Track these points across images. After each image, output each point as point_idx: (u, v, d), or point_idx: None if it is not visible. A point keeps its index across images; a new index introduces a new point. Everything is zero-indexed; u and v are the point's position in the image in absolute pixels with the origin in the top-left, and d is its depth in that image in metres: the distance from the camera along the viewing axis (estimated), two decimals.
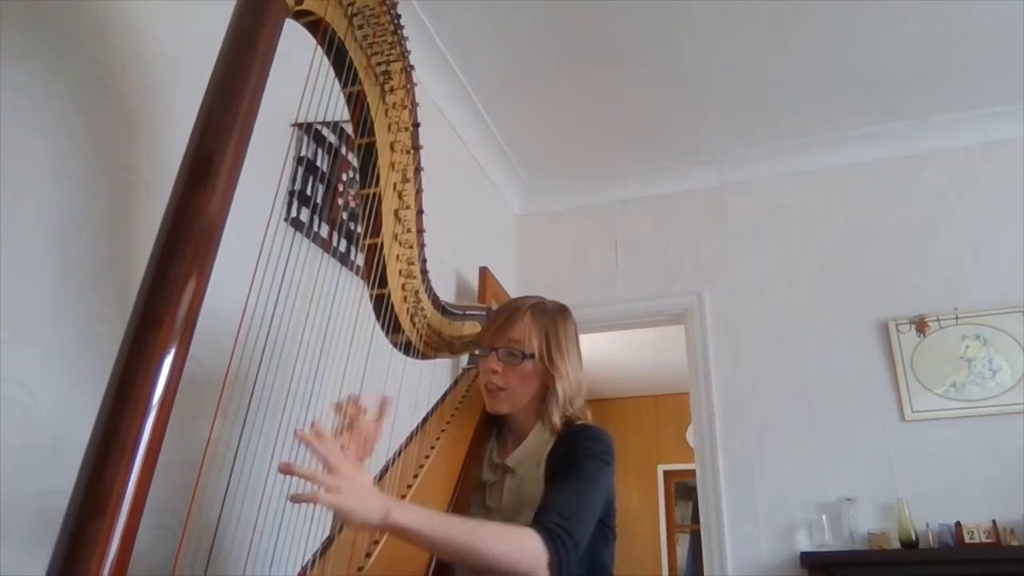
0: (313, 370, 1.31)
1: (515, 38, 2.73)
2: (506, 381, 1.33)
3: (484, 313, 1.62)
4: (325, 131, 1.95)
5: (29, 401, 1.12)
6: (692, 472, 3.55)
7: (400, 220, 1.19)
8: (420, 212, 1.24)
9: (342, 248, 2.00)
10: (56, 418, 1.16)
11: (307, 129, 1.89)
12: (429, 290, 1.33)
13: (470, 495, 1.33)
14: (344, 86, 1.07)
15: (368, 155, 1.14)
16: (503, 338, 1.35)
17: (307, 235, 1.84)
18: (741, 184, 3.46)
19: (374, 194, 1.14)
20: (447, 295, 1.85)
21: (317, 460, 0.92)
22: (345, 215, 2.02)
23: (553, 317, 1.39)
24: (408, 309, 1.28)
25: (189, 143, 0.74)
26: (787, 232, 3.31)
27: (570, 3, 2.55)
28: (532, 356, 1.33)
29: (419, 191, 1.22)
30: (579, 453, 1.24)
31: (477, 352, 1.43)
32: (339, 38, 1.01)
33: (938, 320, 2.97)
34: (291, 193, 1.84)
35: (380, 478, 1.24)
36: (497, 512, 1.31)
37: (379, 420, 1.24)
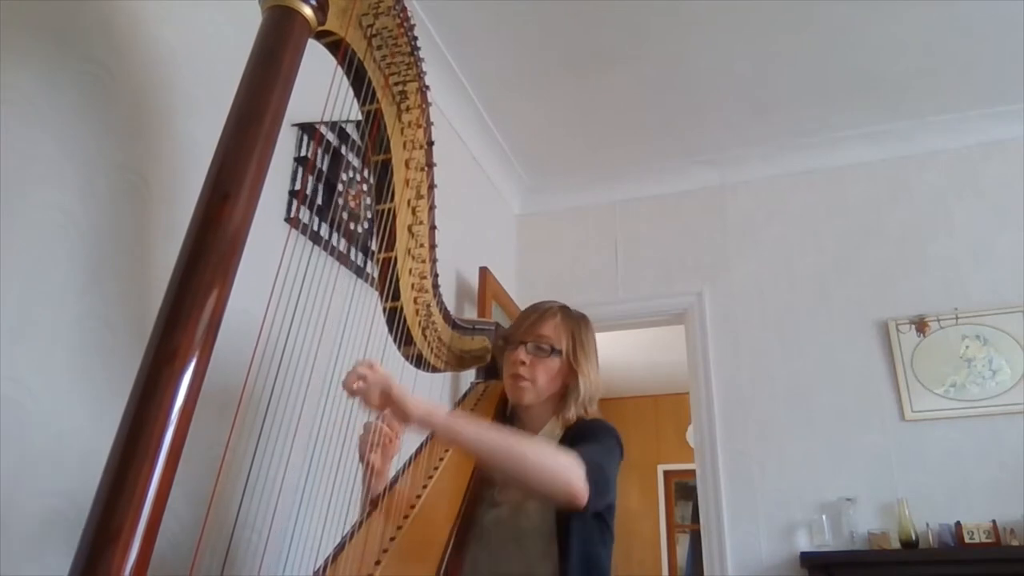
0: (327, 379, 1.33)
1: (515, 38, 2.74)
2: (532, 373, 1.41)
3: (492, 329, 1.64)
4: (326, 131, 1.95)
5: (29, 401, 1.12)
6: (692, 472, 3.55)
7: (413, 235, 1.23)
8: (433, 228, 1.28)
9: (342, 248, 2.00)
10: (56, 418, 1.16)
11: (308, 129, 1.89)
12: (440, 304, 1.36)
13: (480, 495, 1.35)
14: (362, 104, 1.11)
15: (384, 172, 1.18)
16: (533, 333, 1.43)
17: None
18: (741, 184, 3.46)
19: (389, 210, 1.18)
20: (447, 295, 1.86)
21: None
22: (345, 215, 2.02)
23: (579, 322, 1.49)
24: (420, 322, 1.32)
25: (213, 159, 0.77)
26: (787, 232, 3.31)
27: (570, 3, 2.55)
28: (560, 353, 1.42)
29: (432, 207, 1.26)
30: (594, 431, 1.32)
31: (505, 344, 1.50)
32: (358, 58, 1.05)
33: (938, 320, 2.97)
34: (291, 193, 1.84)
35: (391, 486, 1.26)
36: (505, 504, 1.34)
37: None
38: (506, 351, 1.47)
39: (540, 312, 1.47)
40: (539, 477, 1.11)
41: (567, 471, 1.11)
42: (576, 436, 1.32)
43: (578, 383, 1.42)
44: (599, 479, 1.15)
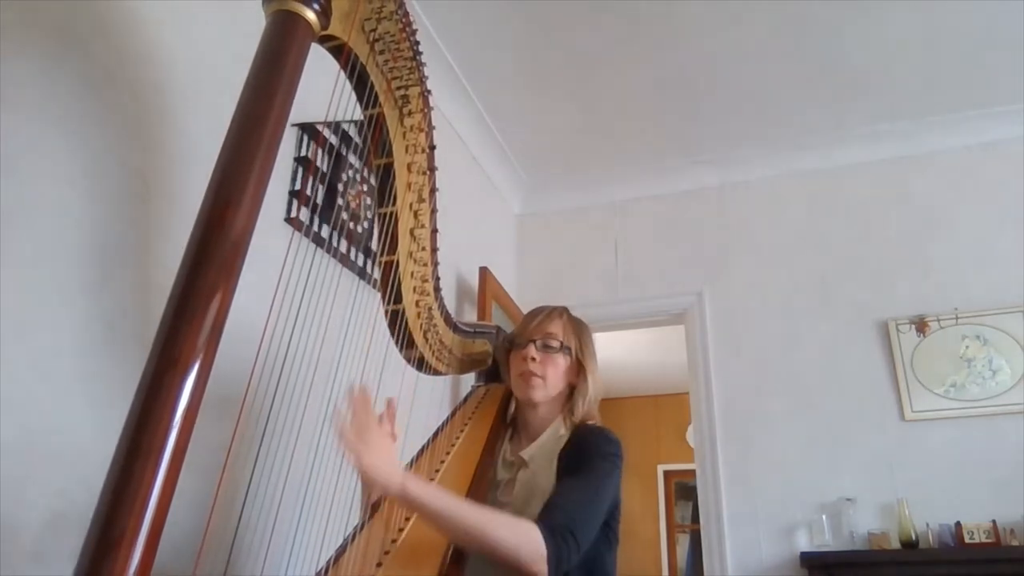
0: (329, 382, 1.32)
1: (515, 38, 2.73)
2: (543, 370, 1.43)
3: (493, 332, 1.65)
4: (329, 133, 1.95)
5: (30, 402, 1.11)
6: (692, 472, 3.55)
7: (415, 239, 1.24)
8: (435, 231, 1.28)
9: (343, 248, 2.00)
10: (57, 419, 1.16)
11: (308, 129, 1.89)
12: (442, 307, 1.37)
13: (483, 497, 1.35)
14: (365, 108, 1.12)
15: (386, 175, 1.18)
16: (541, 331, 1.46)
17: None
18: (741, 184, 3.46)
19: (391, 213, 1.19)
20: (447, 295, 1.86)
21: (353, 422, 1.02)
22: (346, 215, 2.02)
23: (582, 325, 1.52)
24: (421, 325, 1.32)
25: (216, 164, 0.77)
26: (787, 232, 3.31)
27: (570, 3, 2.55)
28: (569, 351, 1.45)
29: (434, 211, 1.27)
30: (593, 451, 1.30)
31: (510, 342, 1.52)
32: (361, 63, 1.05)
33: (938, 320, 2.97)
34: (291, 193, 1.84)
35: None
36: (507, 505, 1.35)
37: (390, 421, 1.30)
38: (513, 351, 1.49)
39: (547, 312, 1.50)
40: (499, 554, 1.09)
41: (526, 550, 1.08)
42: (573, 454, 1.31)
43: (586, 382, 1.44)
44: (568, 541, 1.12)
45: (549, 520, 1.13)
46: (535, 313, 1.51)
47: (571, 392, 1.46)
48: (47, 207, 1.18)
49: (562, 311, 1.51)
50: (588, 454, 1.29)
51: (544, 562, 1.08)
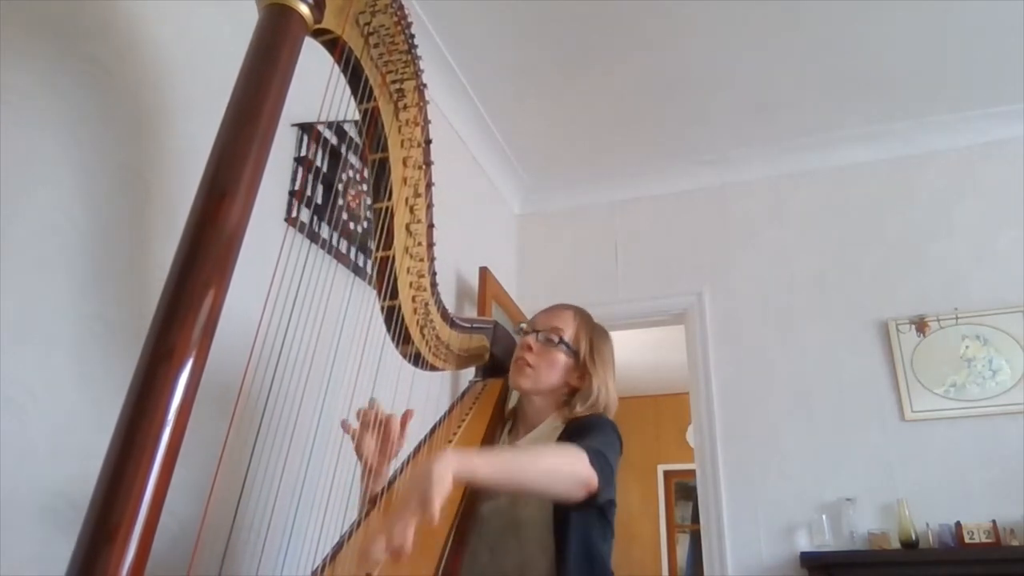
0: (325, 378, 1.32)
1: (515, 38, 2.74)
2: (536, 361, 1.43)
3: (491, 327, 1.64)
4: (323, 129, 1.95)
5: (29, 401, 1.12)
6: (692, 472, 3.55)
7: (411, 234, 1.23)
8: (431, 226, 1.28)
9: (341, 248, 2.00)
10: (56, 418, 1.16)
11: (307, 129, 1.89)
12: (438, 303, 1.36)
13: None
14: (359, 103, 1.11)
15: (381, 170, 1.17)
16: (547, 324, 1.47)
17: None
18: (741, 184, 3.46)
19: (386, 208, 1.18)
20: (447, 295, 1.86)
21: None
22: (345, 215, 2.02)
23: (599, 331, 1.50)
24: (418, 321, 1.31)
25: (210, 157, 0.76)
26: (787, 232, 3.31)
27: (570, 3, 2.56)
28: (568, 347, 1.43)
29: (430, 206, 1.26)
30: (595, 424, 1.31)
31: (520, 329, 1.53)
32: (356, 56, 1.04)
33: (938, 320, 2.97)
34: (291, 193, 1.84)
35: (390, 485, 1.26)
36: (503, 493, 1.33)
37: (402, 431, 1.31)
38: (521, 337, 1.51)
39: (561, 306, 1.51)
40: (559, 478, 1.09)
41: (578, 469, 1.09)
42: (575, 430, 1.31)
43: (591, 387, 1.41)
44: (604, 468, 1.14)
45: (578, 445, 1.14)
46: (548, 307, 1.52)
47: (572, 393, 1.44)
48: (47, 207, 1.18)
49: (578, 310, 1.50)
50: (590, 425, 1.30)
51: (594, 474, 1.09)
